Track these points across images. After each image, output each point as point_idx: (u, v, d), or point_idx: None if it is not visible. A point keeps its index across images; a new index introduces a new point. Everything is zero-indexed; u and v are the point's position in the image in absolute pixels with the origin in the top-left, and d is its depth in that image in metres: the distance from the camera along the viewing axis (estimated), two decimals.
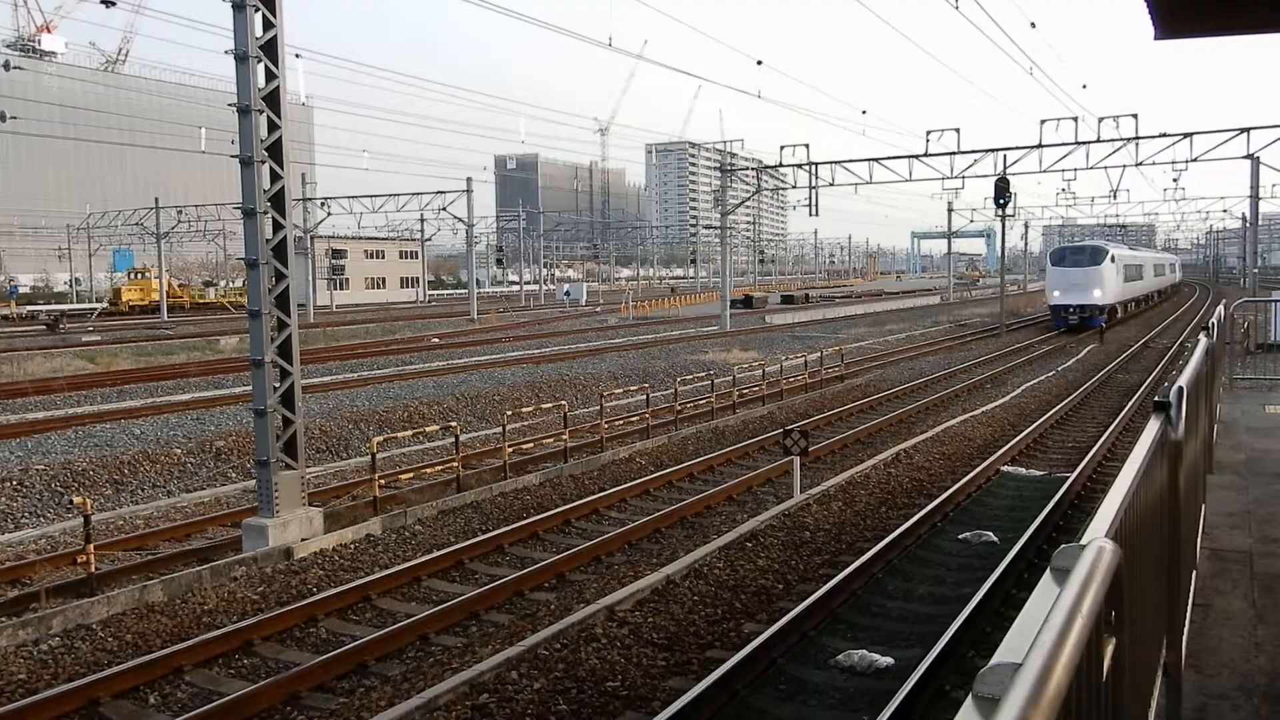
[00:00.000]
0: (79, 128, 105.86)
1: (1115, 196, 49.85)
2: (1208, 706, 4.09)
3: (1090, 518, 2.62)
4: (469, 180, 58.19)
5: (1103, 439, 16.63)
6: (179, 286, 79.30)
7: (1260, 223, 49.75)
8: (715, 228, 64.57)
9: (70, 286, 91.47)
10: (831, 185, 41.52)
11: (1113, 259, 43.55)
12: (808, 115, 55.69)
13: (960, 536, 11.50)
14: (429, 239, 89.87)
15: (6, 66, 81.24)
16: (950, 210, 74.64)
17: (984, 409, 20.76)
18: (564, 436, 16.44)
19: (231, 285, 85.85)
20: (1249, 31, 8.58)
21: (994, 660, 1.53)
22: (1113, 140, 35.53)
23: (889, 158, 39.70)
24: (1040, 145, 35.96)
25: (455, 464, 14.34)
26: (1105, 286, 42.41)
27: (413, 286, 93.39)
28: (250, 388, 12.12)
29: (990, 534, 11.42)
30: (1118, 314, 46.73)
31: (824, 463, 16.29)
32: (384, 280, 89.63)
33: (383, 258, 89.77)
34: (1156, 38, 7.57)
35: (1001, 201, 39.47)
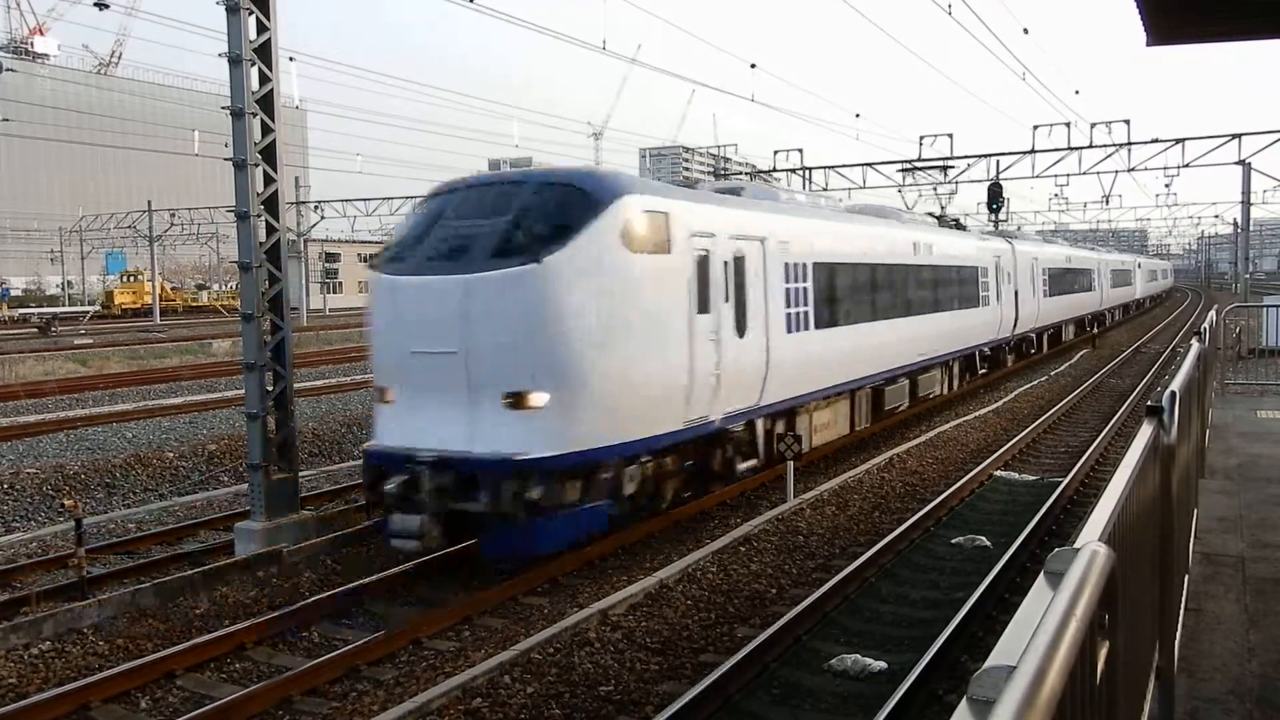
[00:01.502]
0: (72, 130, 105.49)
1: (1108, 202, 49.90)
2: (1200, 710, 4.10)
3: (1084, 521, 2.62)
4: None
5: (1095, 443, 16.65)
6: (172, 289, 79.18)
7: (1252, 228, 49.81)
8: None
9: (63, 289, 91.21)
10: (825, 190, 41.56)
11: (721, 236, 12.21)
12: (801, 119, 55.75)
13: (953, 541, 11.51)
14: None
15: None
16: (943, 215, 74.73)
17: (977, 413, 20.78)
18: None
19: (225, 288, 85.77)
20: (1240, 38, 8.63)
21: (988, 663, 1.53)
22: (1105, 146, 35.64)
23: (883, 162, 39.78)
24: (1033, 150, 36.05)
25: None
26: (578, 382, 9.89)
27: None
28: (243, 391, 12.09)
29: (983, 538, 11.43)
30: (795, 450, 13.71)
31: (817, 467, 16.29)
32: None
33: None
34: (1149, 44, 7.61)
35: (994, 206, 39.55)
